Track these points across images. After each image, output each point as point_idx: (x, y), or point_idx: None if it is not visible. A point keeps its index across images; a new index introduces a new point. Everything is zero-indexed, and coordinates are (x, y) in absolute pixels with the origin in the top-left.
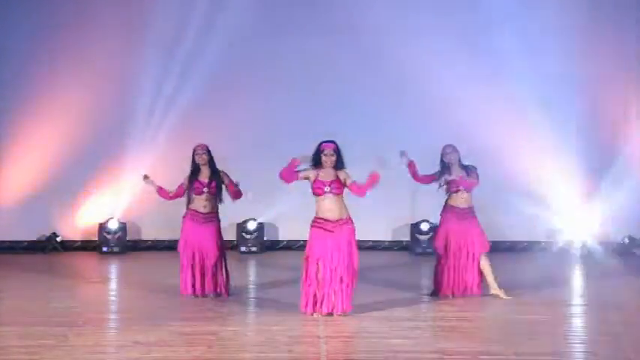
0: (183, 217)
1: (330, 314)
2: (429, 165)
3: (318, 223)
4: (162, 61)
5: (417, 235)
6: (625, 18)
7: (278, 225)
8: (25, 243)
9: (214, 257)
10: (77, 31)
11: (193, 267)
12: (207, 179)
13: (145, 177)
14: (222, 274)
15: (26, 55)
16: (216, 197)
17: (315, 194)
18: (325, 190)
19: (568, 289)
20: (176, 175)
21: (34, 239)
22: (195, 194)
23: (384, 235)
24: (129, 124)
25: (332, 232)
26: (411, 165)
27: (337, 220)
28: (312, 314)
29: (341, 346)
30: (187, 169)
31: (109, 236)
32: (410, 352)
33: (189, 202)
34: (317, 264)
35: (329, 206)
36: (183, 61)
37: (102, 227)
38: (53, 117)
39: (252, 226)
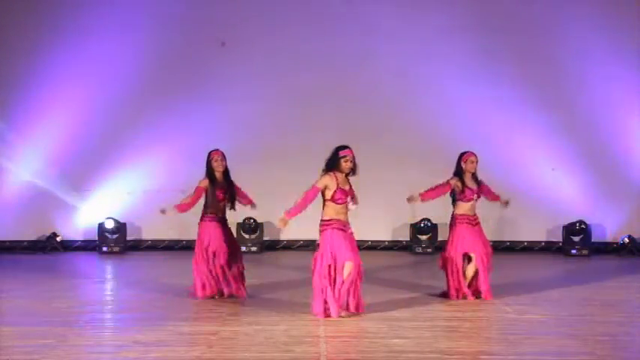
0: (201, 220)
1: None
2: (432, 165)
3: (334, 223)
4: (162, 61)
5: (417, 235)
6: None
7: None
8: (25, 243)
9: (227, 258)
10: (77, 32)
11: (212, 270)
12: (225, 187)
13: (162, 211)
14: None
15: (27, 56)
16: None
17: (336, 203)
18: (347, 200)
19: (568, 289)
20: (175, 174)
21: (34, 239)
22: (218, 201)
23: (384, 235)
24: (129, 124)
25: (346, 231)
26: (424, 198)
27: (347, 222)
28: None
29: (341, 346)
30: (186, 168)
31: (108, 236)
32: (410, 352)
33: (206, 206)
34: (345, 264)
35: (343, 210)
36: (182, 60)
37: (101, 227)
38: (53, 117)
39: (248, 225)
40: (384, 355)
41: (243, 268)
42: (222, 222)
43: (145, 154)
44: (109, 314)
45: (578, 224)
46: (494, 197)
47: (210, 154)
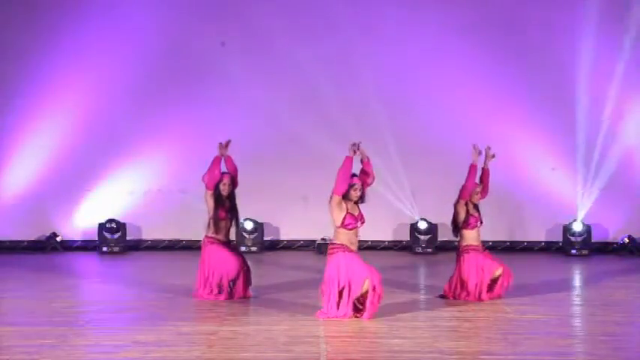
0: (203, 244)
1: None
2: (432, 166)
3: (343, 247)
4: (162, 61)
5: (417, 235)
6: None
7: (278, 225)
8: (25, 243)
9: (233, 277)
10: (76, 33)
11: (220, 285)
12: (228, 207)
13: (225, 145)
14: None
15: (26, 56)
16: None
17: (347, 228)
18: (357, 225)
19: (568, 289)
20: (175, 174)
21: (34, 239)
22: (219, 219)
23: (384, 235)
24: (129, 124)
25: (356, 252)
26: (474, 167)
27: (357, 252)
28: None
29: (341, 346)
30: (187, 168)
31: (108, 236)
32: (410, 352)
33: (208, 225)
34: (364, 281)
35: (354, 239)
36: (182, 61)
37: (101, 227)
38: (53, 117)
39: (249, 225)
40: (384, 355)
41: (250, 282)
42: (225, 245)
43: (145, 154)
44: (109, 314)
45: (578, 224)
46: (486, 176)
47: (220, 175)
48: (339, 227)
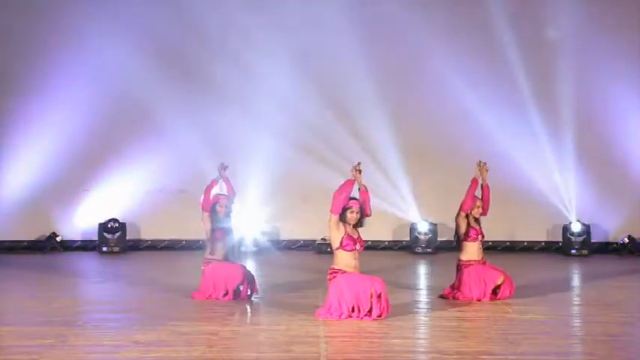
0: (204, 265)
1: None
2: (433, 165)
3: (342, 271)
4: (162, 62)
5: (417, 235)
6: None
7: (278, 225)
8: (25, 243)
9: (240, 279)
10: (76, 31)
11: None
12: (224, 229)
13: (224, 169)
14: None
15: (26, 56)
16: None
17: (345, 250)
18: (356, 247)
19: (568, 289)
20: (175, 174)
21: (34, 239)
22: (216, 239)
23: (384, 235)
24: (129, 125)
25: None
26: (475, 182)
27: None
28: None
29: (341, 346)
30: (186, 168)
31: (109, 236)
32: (410, 352)
33: (206, 246)
34: (371, 295)
35: (354, 263)
36: (183, 61)
37: (102, 227)
38: (53, 117)
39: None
40: (384, 355)
41: (255, 290)
42: (224, 260)
43: (145, 153)
44: (109, 314)
45: (577, 224)
46: (486, 192)
47: (216, 196)
48: (338, 249)
